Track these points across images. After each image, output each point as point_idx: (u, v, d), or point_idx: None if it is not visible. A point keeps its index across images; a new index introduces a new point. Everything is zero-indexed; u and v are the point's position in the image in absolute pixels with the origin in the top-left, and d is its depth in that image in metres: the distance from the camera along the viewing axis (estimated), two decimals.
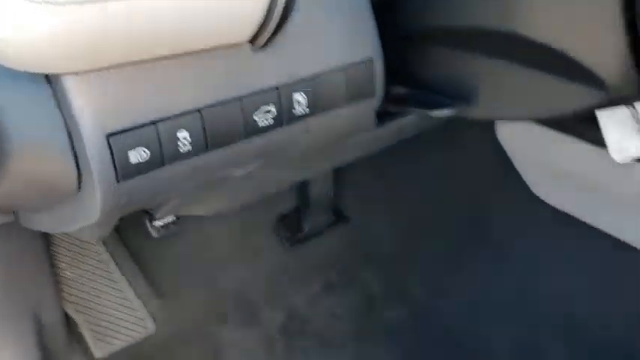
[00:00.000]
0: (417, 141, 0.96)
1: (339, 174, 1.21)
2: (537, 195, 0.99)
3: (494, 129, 0.97)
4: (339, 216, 1.28)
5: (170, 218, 0.89)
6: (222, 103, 0.50)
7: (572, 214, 0.94)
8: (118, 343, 1.05)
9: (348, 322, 1.14)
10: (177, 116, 0.48)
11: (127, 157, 0.47)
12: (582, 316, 0.98)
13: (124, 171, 0.48)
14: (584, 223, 0.92)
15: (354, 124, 0.60)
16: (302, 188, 1.21)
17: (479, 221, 1.08)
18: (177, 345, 1.08)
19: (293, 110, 0.53)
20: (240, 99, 0.51)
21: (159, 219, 0.87)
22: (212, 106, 0.50)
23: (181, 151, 0.49)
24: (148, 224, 0.88)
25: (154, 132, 0.48)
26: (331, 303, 1.17)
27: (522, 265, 1.04)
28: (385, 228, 1.23)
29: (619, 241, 0.87)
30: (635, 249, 0.86)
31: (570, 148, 0.87)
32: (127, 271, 1.08)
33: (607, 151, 0.81)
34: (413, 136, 0.92)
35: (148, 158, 0.48)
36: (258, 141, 0.53)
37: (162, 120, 0.48)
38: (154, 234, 0.88)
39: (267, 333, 1.12)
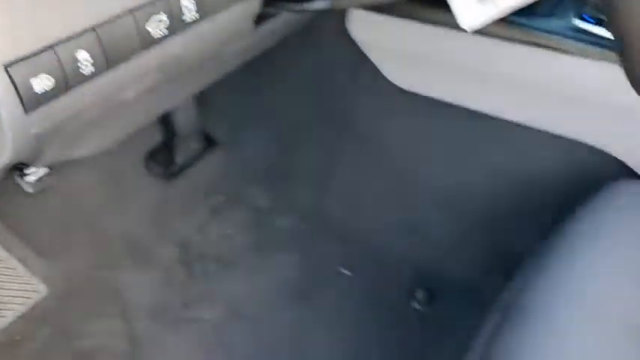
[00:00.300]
0: (276, 51, 1.01)
1: (201, 97, 1.22)
2: (393, 82, 1.08)
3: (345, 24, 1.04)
4: (209, 141, 1.30)
5: (43, 171, 0.86)
6: (115, 18, 0.50)
7: (425, 94, 1.05)
8: (10, 314, 1.01)
9: (242, 239, 1.19)
10: (73, 37, 0.48)
11: (30, 86, 0.47)
12: (453, 185, 1.11)
13: (30, 101, 0.47)
14: (439, 101, 1.03)
15: (238, 27, 0.62)
16: (166, 120, 1.21)
17: (347, 118, 1.16)
18: (74, 300, 1.06)
19: (183, 17, 0.55)
20: (131, 11, 0.51)
21: (32, 173, 0.84)
22: (106, 22, 0.50)
23: (84, 72, 0.49)
24: (20, 180, 0.84)
25: (54, 56, 0.47)
26: (222, 225, 1.21)
27: (394, 151, 1.14)
28: (260, 142, 1.27)
29: (475, 112, 1.00)
30: (487, 115, 0.99)
31: (413, 31, 0.97)
32: (2, 238, 1.03)
33: (447, 29, 0.92)
34: (273, 47, 0.96)
35: (52, 85, 0.48)
36: (155, 53, 0.54)
37: (59, 43, 0.47)
38: (29, 189, 0.85)
39: (165, 267, 1.13)
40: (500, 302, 0.77)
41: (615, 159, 0.93)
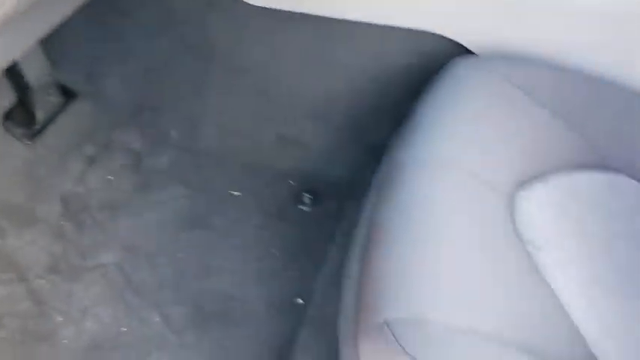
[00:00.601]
0: None
1: (51, 49, 1.18)
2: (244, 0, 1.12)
3: None
4: (68, 93, 1.27)
5: None
6: None
7: (276, 7, 1.10)
8: None
9: (124, 183, 1.20)
10: None
11: None
12: (319, 93, 1.18)
13: None
14: (291, 12, 1.09)
15: None
16: (17, 77, 1.17)
17: (208, 45, 1.18)
18: None
19: None
20: None
21: None
22: None
23: None
24: None
25: None
26: (100, 173, 1.21)
27: (259, 69, 1.19)
28: (123, 86, 1.27)
29: (326, 18, 1.06)
30: (336, 20, 1.06)
31: None
32: None
33: None
34: None
35: None
36: None
37: None
38: None
39: (52, 224, 1.13)
40: (375, 183, 0.87)
41: (452, 41, 1.04)
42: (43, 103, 1.22)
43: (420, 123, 0.85)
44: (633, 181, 0.88)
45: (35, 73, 1.17)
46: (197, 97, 1.25)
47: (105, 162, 1.23)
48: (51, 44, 1.17)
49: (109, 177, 1.21)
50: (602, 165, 0.88)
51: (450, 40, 1.04)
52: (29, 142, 1.21)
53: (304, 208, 1.20)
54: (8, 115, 1.20)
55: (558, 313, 0.70)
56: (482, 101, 0.88)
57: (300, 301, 1.05)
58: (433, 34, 1.04)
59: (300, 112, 1.21)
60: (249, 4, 1.11)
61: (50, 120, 1.24)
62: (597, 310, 0.72)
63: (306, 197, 1.21)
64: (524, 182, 0.82)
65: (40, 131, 1.22)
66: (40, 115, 1.22)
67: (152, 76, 1.27)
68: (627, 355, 0.70)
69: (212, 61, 1.21)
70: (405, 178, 0.78)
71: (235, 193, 1.21)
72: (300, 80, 1.19)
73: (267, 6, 1.10)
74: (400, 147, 0.84)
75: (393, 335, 0.61)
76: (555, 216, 0.80)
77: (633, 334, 0.73)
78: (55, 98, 1.24)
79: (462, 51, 1.03)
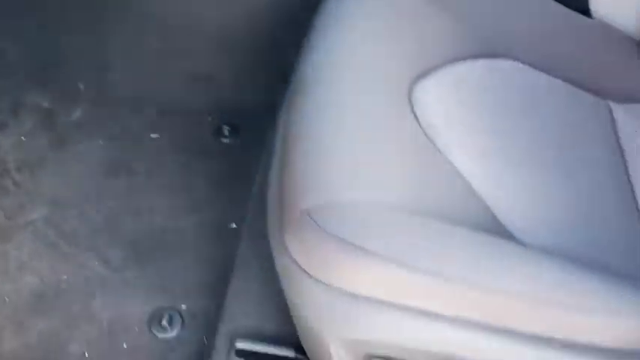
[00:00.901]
0: None
1: None
2: None
3: None
4: None
5: None
6: None
7: None
8: None
9: (40, 140, 1.22)
10: None
11: None
12: (225, 23, 1.22)
13: None
14: None
15: None
16: None
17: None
18: None
19: None
20: None
21: None
22: None
23: None
24: None
25: None
26: (12, 136, 1.23)
27: (160, 9, 1.21)
28: (21, 46, 1.27)
29: None
30: None
31: None
32: None
33: None
34: None
35: None
36: None
37: None
38: None
39: None
40: (285, 101, 0.93)
41: None
42: None
43: (318, 36, 0.92)
44: (519, 63, 0.98)
45: None
46: (100, 46, 1.27)
47: (15, 125, 1.24)
48: None
49: (23, 137, 1.23)
50: (490, 52, 0.97)
51: None
52: None
53: (225, 140, 1.25)
54: None
55: (459, 182, 0.80)
56: (375, 8, 0.95)
57: (233, 225, 1.12)
58: None
59: (206, 46, 1.25)
60: None
61: None
62: (495, 175, 0.82)
63: (226, 129, 1.26)
64: (420, 75, 0.90)
65: None
66: None
67: (49, 31, 1.27)
68: (522, 210, 0.81)
69: (111, 6, 1.23)
70: (309, 88, 0.85)
71: (154, 135, 1.25)
72: (202, 15, 1.23)
73: None
74: (303, 63, 0.91)
75: (314, 221, 0.69)
76: (451, 102, 0.89)
77: (527, 193, 0.83)
78: None
79: None
